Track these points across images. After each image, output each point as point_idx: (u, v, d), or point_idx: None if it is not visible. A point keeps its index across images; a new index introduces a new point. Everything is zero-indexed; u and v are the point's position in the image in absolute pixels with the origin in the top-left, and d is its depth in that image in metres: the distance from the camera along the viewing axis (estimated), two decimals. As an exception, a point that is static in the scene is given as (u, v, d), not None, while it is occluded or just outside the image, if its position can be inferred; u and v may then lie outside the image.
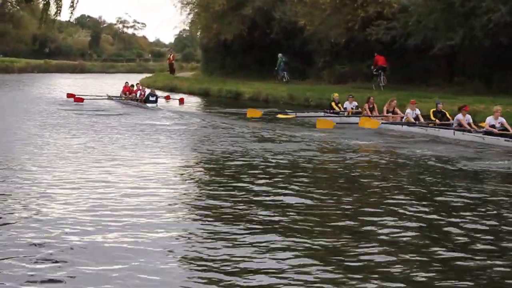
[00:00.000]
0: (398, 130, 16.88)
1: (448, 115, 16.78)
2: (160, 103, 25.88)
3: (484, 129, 14.83)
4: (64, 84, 46.31)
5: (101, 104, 26.45)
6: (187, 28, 57.33)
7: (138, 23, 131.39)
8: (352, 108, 20.31)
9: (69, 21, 52.96)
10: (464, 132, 15.10)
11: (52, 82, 49.81)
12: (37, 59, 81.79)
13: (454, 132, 15.34)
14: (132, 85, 28.97)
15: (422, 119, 17.05)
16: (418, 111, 17.44)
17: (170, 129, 16.49)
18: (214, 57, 45.22)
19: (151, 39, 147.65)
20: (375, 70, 28.11)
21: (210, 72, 44.92)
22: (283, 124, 18.25)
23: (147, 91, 27.36)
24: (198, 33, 49.93)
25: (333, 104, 20.70)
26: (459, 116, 15.65)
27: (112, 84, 41.16)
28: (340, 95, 21.29)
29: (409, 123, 16.97)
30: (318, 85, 30.61)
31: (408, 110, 17.48)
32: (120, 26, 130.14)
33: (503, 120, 14.71)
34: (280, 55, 34.94)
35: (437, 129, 16.09)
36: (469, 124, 15.45)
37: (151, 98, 25.61)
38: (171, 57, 51.66)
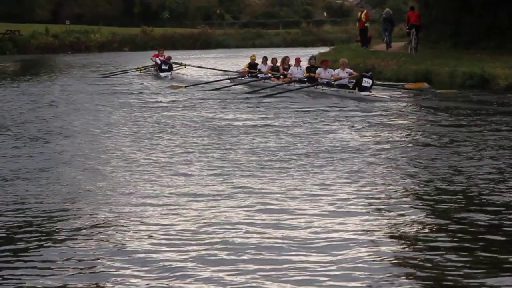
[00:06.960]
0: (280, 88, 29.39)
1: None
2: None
3: (336, 79, 28.17)
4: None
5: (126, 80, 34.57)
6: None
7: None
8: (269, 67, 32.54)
9: None
10: (322, 88, 28.56)
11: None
12: (129, 27, 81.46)
13: (320, 88, 28.74)
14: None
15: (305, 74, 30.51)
16: (304, 68, 30.45)
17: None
18: (441, 15, 43.68)
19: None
20: (407, 29, 38.59)
21: (433, 42, 43.42)
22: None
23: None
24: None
25: (244, 66, 33.68)
26: (319, 69, 29.15)
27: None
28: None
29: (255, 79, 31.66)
30: None
31: (292, 68, 30.64)
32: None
33: (350, 70, 28.51)
34: (387, 9, 44.07)
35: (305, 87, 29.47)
36: (333, 75, 28.59)
37: (163, 67, 35.40)
38: (363, 16, 47.68)
